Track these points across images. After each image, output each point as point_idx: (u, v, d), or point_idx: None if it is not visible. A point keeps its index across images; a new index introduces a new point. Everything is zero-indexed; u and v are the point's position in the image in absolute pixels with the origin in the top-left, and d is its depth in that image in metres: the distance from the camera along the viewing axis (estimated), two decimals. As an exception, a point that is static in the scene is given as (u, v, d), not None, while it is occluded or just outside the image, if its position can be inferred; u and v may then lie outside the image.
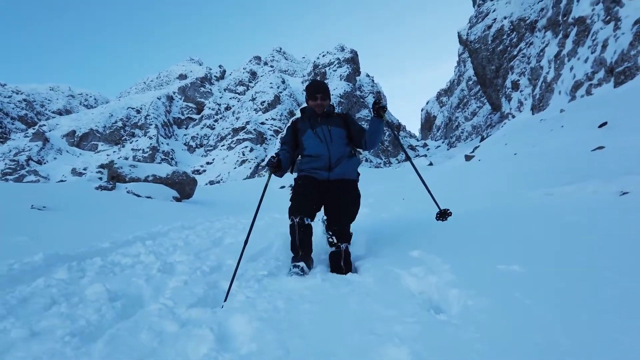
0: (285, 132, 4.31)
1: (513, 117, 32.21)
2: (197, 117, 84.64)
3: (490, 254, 3.14)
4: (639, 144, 6.51)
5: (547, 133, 11.01)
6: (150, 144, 69.17)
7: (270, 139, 68.82)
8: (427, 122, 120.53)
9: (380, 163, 61.32)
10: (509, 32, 46.96)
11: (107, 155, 72.99)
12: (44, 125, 79.73)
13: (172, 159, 67.96)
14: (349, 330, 2.31)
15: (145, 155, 67.68)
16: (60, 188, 15.11)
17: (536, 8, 42.38)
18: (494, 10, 50.73)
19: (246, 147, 64.74)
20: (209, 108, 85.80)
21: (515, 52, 44.81)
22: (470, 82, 78.00)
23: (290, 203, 4.03)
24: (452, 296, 2.59)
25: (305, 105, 4.31)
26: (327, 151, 3.98)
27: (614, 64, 14.16)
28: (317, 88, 4.13)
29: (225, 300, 3.12)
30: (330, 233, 3.94)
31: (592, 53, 15.64)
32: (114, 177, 17.23)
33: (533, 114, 19.66)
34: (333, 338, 2.25)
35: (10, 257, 4.47)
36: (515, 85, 39.55)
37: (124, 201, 13.70)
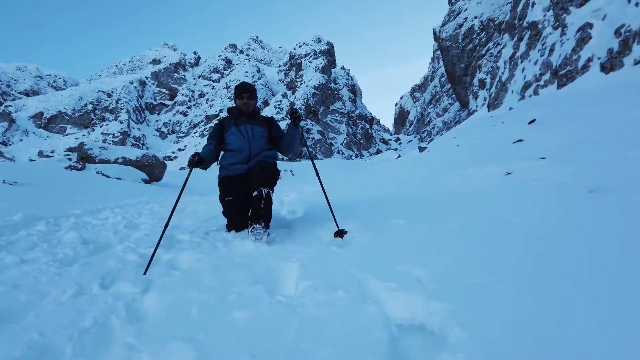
0: (212, 129, 4.57)
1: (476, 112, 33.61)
2: (169, 103, 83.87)
3: (390, 215, 4.03)
4: (552, 137, 7.56)
5: (490, 128, 12.11)
6: (121, 128, 68.35)
7: (243, 128, 69.13)
8: (401, 117, 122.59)
9: (352, 155, 62.46)
10: (478, 31, 48.15)
11: (76, 138, 71.74)
12: (10, 105, 77.57)
13: (143, 144, 67.45)
14: (265, 258, 3.16)
15: (116, 139, 66.87)
16: (29, 166, 15.46)
17: (505, 9, 43.64)
18: (465, 10, 51.81)
19: (219, 134, 64.93)
20: (182, 94, 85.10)
21: (483, 51, 46.03)
22: (443, 79, 79.64)
23: (224, 210, 4.39)
24: (349, 238, 3.47)
25: (232, 105, 4.61)
26: (247, 146, 4.26)
27: (558, 67, 15.40)
28: (244, 88, 4.41)
29: (145, 273, 3.08)
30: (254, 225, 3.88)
31: (541, 56, 16.88)
32: (83, 157, 17.60)
33: (489, 111, 20.95)
34: (253, 263, 3.09)
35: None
36: (482, 84, 41.01)
37: (93, 181, 14.19)
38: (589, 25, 14.92)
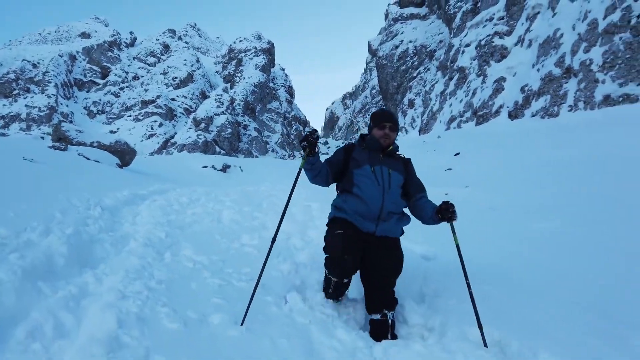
0: (333, 153, 3.64)
1: (406, 131, 38.03)
2: (101, 82, 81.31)
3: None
4: (470, 169, 11.11)
5: (425, 155, 15.69)
6: (49, 103, 65.61)
7: (180, 117, 69.38)
8: (331, 122, 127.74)
9: (285, 155, 65.42)
10: (412, 55, 52.86)
11: (-5, 107, 67.88)
12: None
13: (71, 122, 65.20)
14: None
15: (42, 114, 64.16)
16: (19, 144, 16.66)
17: (436, 39, 48.79)
18: (402, 33, 56.37)
19: (155, 121, 64.84)
20: (115, 75, 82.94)
21: (415, 74, 50.67)
22: (374, 91, 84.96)
23: (327, 244, 3.40)
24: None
25: (365, 133, 3.67)
26: (381, 199, 3.31)
27: (477, 108, 19.56)
28: (387, 116, 3.52)
29: (242, 324, 2.85)
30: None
31: (465, 96, 21.07)
32: (60, 138, 18.86)
33: (420, 134, 25.06)
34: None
35: (109, 193, 7.47)
36: (411, 104, 45.67)
37: (83, 162, 15.87)
38: (503, 79, 19.21)
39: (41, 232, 3.73)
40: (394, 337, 3.09)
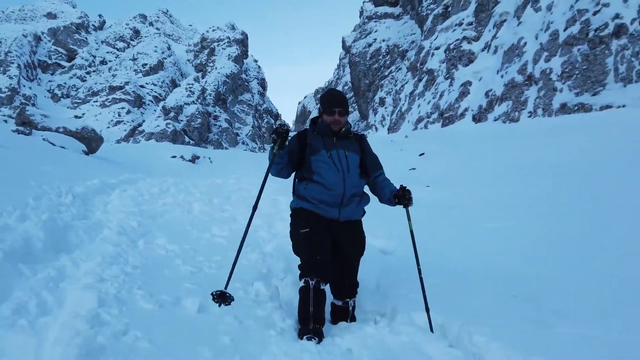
0: (289, 141, 3.42)
1: (376, 128, 38.66)
2: (66, 64, 78.59)
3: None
4: (433, 169, 11.61)
5: (393, 153, 16.15)
6: (10, 84, 63.04)
7: (148, 105, 68.07)
8: (302, 116, 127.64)
9: (255, 147, 65.25)
10: (384, 54, 53.40)
11: (-49, 86, 64.79)
12: None
13: (33, 104, 62.93)
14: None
15: (3, 96, 61.65)
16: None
17: (408, 39, 49.45)
18: (375, 31, 56.85)
19: (123, 108, 63.43)
20: (82, 58, 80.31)
21: (386, 73, 51.23)
22: (346, 87, 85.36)
23: (295, 245, 3.46)
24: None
25: (316, 116, 3.58)
26: (342, 184, 3.30)
27: (444, 110, 20.22)
28: (335, 100, 3.43)
29: (225, 288, 3.23)
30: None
31: (433, 98, 21.73)
32: (25, 122, 18.41)
33: (388, 133, 25.67)
34: None
35: (79, 181, 7.54)
36: (382, 102, 46.28)
37: (49, 148, 15.59)
38: (469, 83, 19.91)
39: (17, 217, 3.89)
40: (353, 319, 3.35)
